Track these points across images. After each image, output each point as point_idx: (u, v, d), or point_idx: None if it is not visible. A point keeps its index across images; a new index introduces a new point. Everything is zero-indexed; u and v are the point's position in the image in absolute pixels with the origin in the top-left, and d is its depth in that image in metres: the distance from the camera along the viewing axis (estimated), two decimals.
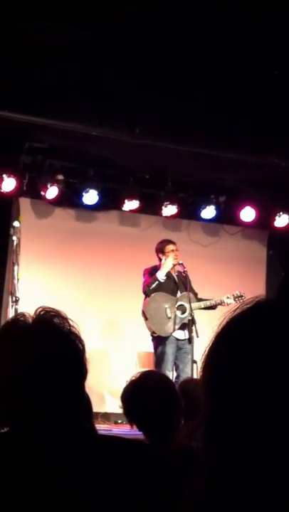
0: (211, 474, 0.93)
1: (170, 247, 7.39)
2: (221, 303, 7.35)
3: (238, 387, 0.92)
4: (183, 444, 2.48)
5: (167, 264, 7.28)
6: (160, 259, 7.45)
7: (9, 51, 6.35)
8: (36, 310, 1.55)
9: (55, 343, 1.51)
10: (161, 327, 7.25)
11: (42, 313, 1.55)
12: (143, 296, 7.40)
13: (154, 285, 7.26)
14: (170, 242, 7.47)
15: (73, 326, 1.55)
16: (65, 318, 1.55)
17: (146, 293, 7.33)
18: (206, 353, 0.98)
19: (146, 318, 7.32)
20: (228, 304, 7.33)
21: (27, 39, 6.28)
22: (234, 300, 7.36)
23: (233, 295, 7.40)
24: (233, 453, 0.91)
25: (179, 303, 7.30)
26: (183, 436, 2.61)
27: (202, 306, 7.31)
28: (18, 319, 1.54)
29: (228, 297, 7.37)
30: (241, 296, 7.39)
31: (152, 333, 7.32)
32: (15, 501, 1.43)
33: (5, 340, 1.56)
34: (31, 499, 1.43)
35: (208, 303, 7.34)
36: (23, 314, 1.54)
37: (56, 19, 6.11)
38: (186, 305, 7.26)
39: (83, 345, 1.55)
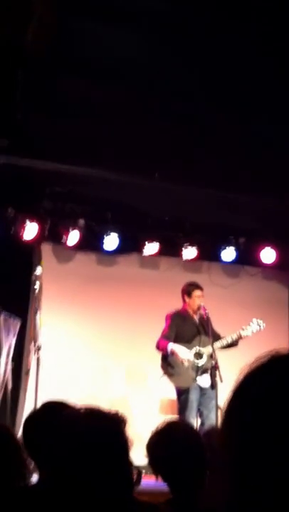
0: None
1: (197, 292, 7.28)
2: (239, 337, 7.23)
3: (258, 446, 0.87)
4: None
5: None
6: (184, 301, 7.39)
7: (29, 102, 6.47)
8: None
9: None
10: (180, 380, 7.10)
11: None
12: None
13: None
14: (198, 287, 7.35)
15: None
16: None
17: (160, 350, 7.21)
18: (224, 412, 0.94)
19: (164, 373, 7.19)
20: (246, 336, 7.23)
21: (50, 92, 6.42)
22: (251, 331, 7.26)
23: (249, 325, 7.28)
24: None
25: (193, 350, 7.16)
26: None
27: (220, 346, 7.16)
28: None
29: (243, 329, 7.26)
30: (258, 324, 7.28)
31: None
32: None
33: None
34: None
35: (224, 341, 7.20)
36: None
37: (77, 73, 6.24)
38: (203, 350, 7.16)
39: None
